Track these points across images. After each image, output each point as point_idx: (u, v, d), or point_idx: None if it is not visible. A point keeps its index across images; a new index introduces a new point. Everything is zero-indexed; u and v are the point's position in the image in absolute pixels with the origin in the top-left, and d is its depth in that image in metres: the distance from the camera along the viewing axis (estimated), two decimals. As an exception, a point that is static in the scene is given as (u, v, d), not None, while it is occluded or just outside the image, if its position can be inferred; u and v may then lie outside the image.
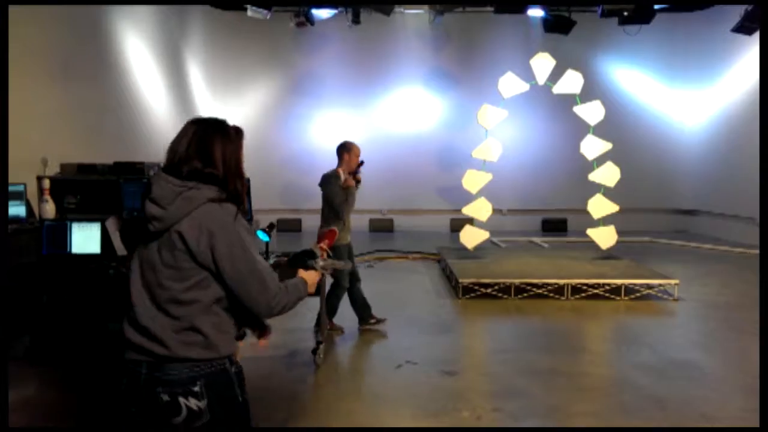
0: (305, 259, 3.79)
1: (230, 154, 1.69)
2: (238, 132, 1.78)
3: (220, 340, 1.60)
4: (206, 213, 1.58)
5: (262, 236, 3.83)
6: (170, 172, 1.61)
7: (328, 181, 4.61)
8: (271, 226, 3.98)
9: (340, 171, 4.67)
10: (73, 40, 6.79)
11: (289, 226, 11.03)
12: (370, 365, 3.92)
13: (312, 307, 4.54)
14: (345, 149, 4.76)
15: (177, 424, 1.55)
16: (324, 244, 4.10)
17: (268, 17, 9.34)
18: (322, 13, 10.06)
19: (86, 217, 3.85)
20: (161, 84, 8.90)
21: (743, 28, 8.53)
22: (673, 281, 5.84)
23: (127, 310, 1.63)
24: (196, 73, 10.46)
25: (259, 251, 4.00)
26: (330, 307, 4.53)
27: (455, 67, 11.29)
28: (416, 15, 10.96)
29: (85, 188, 4.46)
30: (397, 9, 10.01)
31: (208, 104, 10.93)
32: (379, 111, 11.47)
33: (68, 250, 3.65)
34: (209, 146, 1.65)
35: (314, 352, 3.91)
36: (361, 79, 11.33)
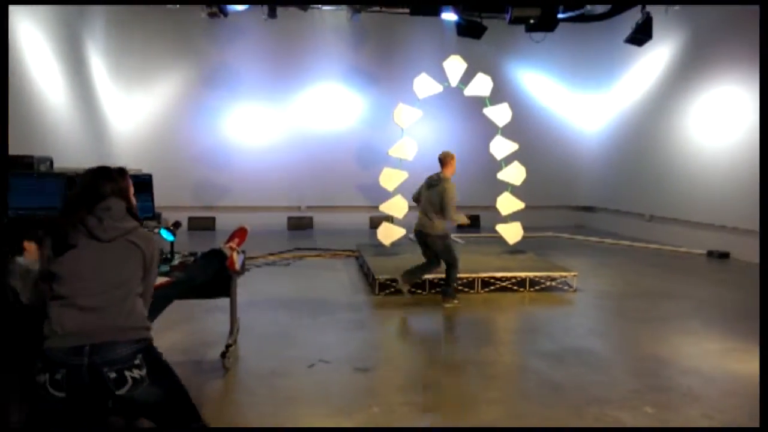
0: (221, 259, 3.67)
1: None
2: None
3: None
4: None
5: (166, 235, 3.66)
6: None
7: (448, 185, 5.50)
8: (176, 224, 3.81)
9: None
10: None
11: (201, 225, 10.61)
12: (283, 366, 3.87)
13: (222, 308, 4.41)
14: (451, 156, 5.71)
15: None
16: (234, 243, 4.01)
17: (177, 6, 8.90)
18: (236, 5, 9.73)
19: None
20: (57, 72, 8.20)
21: (634, 39, 9.30)
22: (572, 273, 6.28)
23: None
24: (97, 62, 9.76)
25: (163, 251, 3.81)
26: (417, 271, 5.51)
27: (373, 66, 11.37)
28: (334, 12, 10.92)
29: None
30: (315, 5, 9.92)
31: (111, 95, 10.25)
32: (297, 107, 11.30)
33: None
34: None
35: (223, 355, 3.79)
36: (278, 73, 11.12)
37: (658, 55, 9.99)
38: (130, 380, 1.98)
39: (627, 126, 11.06)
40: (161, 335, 4.30)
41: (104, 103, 9.98)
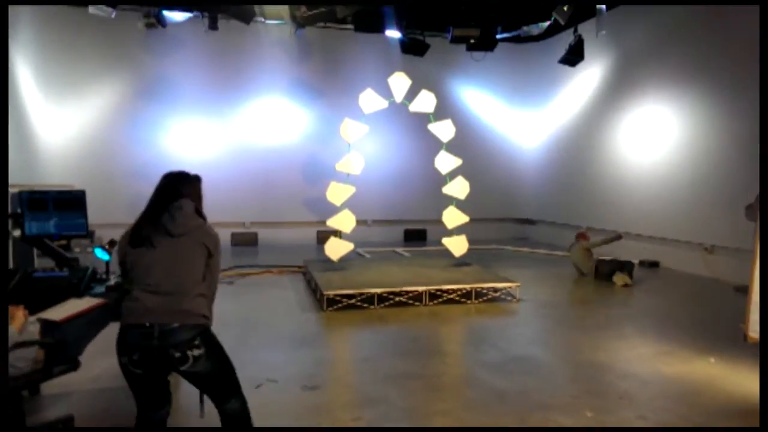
0: None
1: None
2: None
3: None
4: None
5: (101, 254, 3.50)
6: None
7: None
8: (111, 243, 3.65)
9: None
10: None
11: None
12: (229, 386, 3.75)
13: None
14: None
15: None
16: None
17: (113, 16, 8.59)
18: (175, 16, 9.50)
19: None
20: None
21: (568, 60, 9.81)
22: (515, 284, 6.48)
23: None
24: (24, 72, 9.24)
25: (97, 271, 3.64)
26: None
27: (318, 80, 11.38)
28: (277, 26, 10.88)
29: None
30: (258, 19, 9.83)
31: (40, 107, 9.71)
32: (239, 121, 11.11)
33: None
34: None
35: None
36: (220, 86, 10.91)
37: (590, 75, 10.57)
38: (191, 359, 2.35)
39: (563, 142, 11.60)
40: (95, 361, 4.08)
41: (32, 115, 9.44)
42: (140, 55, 10.54)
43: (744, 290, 4.89)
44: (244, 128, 11.13)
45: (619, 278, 7.42)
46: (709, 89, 7.98)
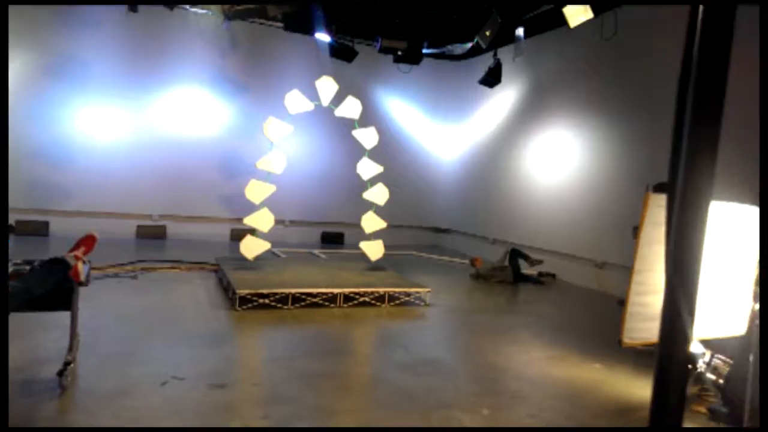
0: (65, 269, 3.35)
1: None
2: None
3: None
4: None
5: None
6: None
7: None
8: (10, 228, 3.41)
9: None
10: None
11: (32, 230, 9.38)
12: (130, 385, 3.60)
13: (60, 323, 3.99)
14: None
15: None
16: (80, 252, 3.69)
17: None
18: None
19: None
20: None
21: (486, 81, 10.38)
22: (425, 290, 6.74)
23: None
24: None
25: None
26: None
27: (243, 75, 11.13)
28: (203, 15, 10.53)
29: None
30: (184, 6, 9.48)
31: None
32: (154, 108, 10.58)
33: None
34: None
35: (60, 373, 3.43)
36: (136, 71, 10.33)
37: (506, 97, 11.25)
38: None
39: (477, 157, 12.22)
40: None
41: None
42: (46, 32, 9.74)
43: (623, 303, 5.46)
44: (159, 117, 10.62)
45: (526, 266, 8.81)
46: (607, 117, 8.80)
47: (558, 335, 5.85)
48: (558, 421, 3.66)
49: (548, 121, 10.09)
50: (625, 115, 8.42)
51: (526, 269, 8.98)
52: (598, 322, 6.73)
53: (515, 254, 9.00)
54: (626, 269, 7.81)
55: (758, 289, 3.58)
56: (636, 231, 5.61)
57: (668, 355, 1.01)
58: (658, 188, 5.44)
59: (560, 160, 9.75)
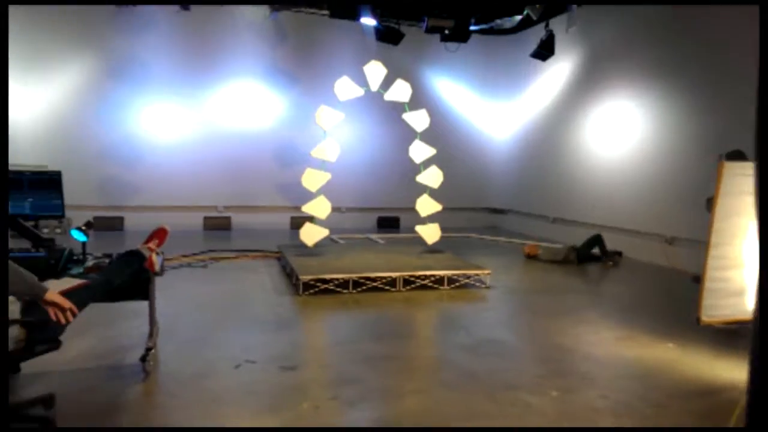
0: (140, 260, 3.56)
1: None
2: None
3: None
4: None
5: (78, 236, 3.51)
6: None
7: None
8: (88, 225, 3.65)
9: None
10: None
11: (108, 225, 10.00)
12: (206, 368, 3.81)
13: (139, 312, 4.25)
14: None
15: None
16: (153, 244, 3.90)
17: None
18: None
19: None
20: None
21: (539, 54, 10.03)
22: (485, 271, 6.68)
23: None
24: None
25: (74, 252, 3.64)
26: None
27: (293, 66, 11.31)
28: (251, 8, 10.74)
29: None
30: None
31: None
32: (212, 103, 10.97)
33: None
34: None
35: (143, 359, 3.67)
36: (192, 68, 10.73)
37: (560, 70, 10.83)
38: None
39: (533, 134, 11.88)
40: (75, 341, 4.09)
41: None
42: (109, 35, 10.26)
43: (698, 279, 5.19)
44: (217, 111, 11.00)
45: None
46: (672, 86, 8.32)
47: (626, 315, 5.66)
48: (630, 401, 3.55)
49: (607, 93, 9.66)
50: (691, 82, 7.93)
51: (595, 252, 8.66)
52: (668, 300, 6.45)
53: (594, 242, 8.61)
54: (698, 243, 7.44)
55: None
56: (710, 203, 5.31)
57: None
58: (733, 156, 5.11)
59: (621, 132, 9.33)
